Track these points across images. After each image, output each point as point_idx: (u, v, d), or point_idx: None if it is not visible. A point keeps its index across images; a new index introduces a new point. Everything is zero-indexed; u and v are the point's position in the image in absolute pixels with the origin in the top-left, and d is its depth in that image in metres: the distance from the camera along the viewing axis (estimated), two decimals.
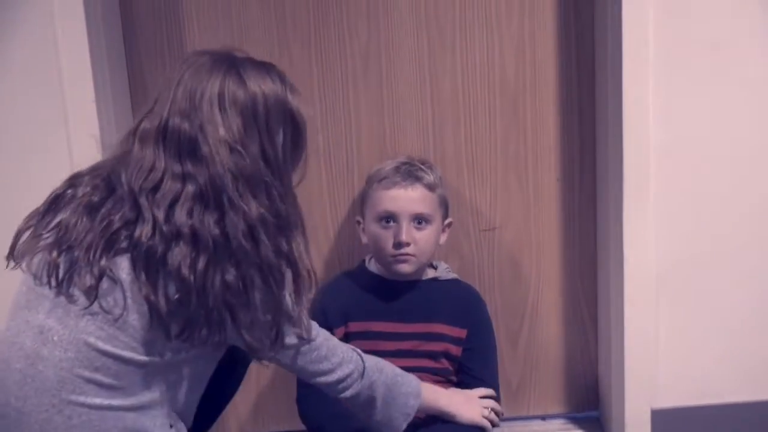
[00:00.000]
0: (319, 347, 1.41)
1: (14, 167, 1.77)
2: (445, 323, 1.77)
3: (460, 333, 1.77)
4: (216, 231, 1.21)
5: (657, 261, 1.83)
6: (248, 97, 1.26)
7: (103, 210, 1.24)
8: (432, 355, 1.76)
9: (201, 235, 1.20)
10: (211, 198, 1.22)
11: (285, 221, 1.28)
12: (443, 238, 1.80)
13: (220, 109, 1.25)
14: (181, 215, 1.20)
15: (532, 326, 2.02)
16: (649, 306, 1.85)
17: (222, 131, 1.24)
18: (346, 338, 1.76)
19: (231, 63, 1.29)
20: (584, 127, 1.94)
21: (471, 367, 1.77)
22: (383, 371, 1.50)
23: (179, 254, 1.19)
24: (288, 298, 1.29)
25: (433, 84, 1.92)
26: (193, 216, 1.21)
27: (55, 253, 1.23)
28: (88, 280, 1.20)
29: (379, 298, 1.78)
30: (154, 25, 1.90)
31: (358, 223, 1.81)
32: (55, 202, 1.30)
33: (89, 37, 1.75)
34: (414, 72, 1.92)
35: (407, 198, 1.72)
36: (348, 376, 1.44)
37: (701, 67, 1.77)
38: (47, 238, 1.26)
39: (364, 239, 1.79)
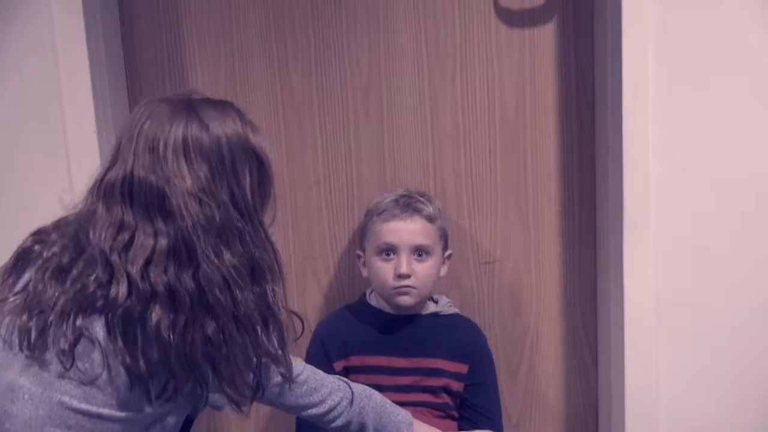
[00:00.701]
0: (307, 381, 1.41)
1: (15, 200, 1.77)
2: (444, 358, 1.76)
3: (461, 368, 1.76)
4: (192, 286, 1.19)
5: (657, 295, 1.82)
6: (212, 142, 1.24)
7: (73, 272, 1.21)
8: (432, 390, 1.75)
9: (178, 293, 1.18)
10: (184, 253, 1.19)
11: (260, 268, 1.25)
12: (444, 269, 1.80)
13: (186, 159, 1.22)
14: (156, 273, 1.18)
15: (532, 360, 2.01)
16: (650, 341, 1.83)
17: (189, 182, 1.21)
18: (346, 372, 1.75)
19: (190, 107, 1.26)
20: (584, 160, 1.94)
21: (475, 403, 1.76)
22: (372, 398, 1.50)
23: (157, 315, 1.17)
24: (269, 343, 1.26)
25: (434, 116, 1.93)
26: (168, 273, 1.18)
27: (25, 317, 1.20)
28: (63, 344, 1.17)
29: (379, 332, 1.77)
30: (155, 56, 1.91)
31: (359, 256, 1.80)
32: (21, 259, 1.27)
33: (91, 70, 1.76)
34: (414, 104, 1.92)
35: (407, 230, 1.71)
36: (338, 404, 1.44)
37: (701, 99, 1.77)
38: (14, 300, 1.23)
39: (365, 272, 1.78)
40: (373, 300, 1.80)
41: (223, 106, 1.30)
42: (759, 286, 1.84)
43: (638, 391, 1.85)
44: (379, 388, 1.71)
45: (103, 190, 1.24)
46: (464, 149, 1.93)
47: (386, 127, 1.93)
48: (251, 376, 1.26)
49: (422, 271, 1.71)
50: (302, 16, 1.90)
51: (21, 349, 1.20)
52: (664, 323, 1.83)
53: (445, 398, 1.75)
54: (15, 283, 1.25)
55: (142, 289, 1.17)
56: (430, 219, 1.74)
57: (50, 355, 1.19)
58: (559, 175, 1.95)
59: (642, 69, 1.75)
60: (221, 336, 1.20)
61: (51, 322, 1.19)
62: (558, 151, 1.94)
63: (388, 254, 1.71)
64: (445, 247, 1.79)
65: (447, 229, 1.80)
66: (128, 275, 1.17)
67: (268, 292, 1.26)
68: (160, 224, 1.20)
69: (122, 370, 1.18)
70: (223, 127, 1.25)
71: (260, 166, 1.30)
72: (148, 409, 1.23)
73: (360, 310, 1.81)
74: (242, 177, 1.26)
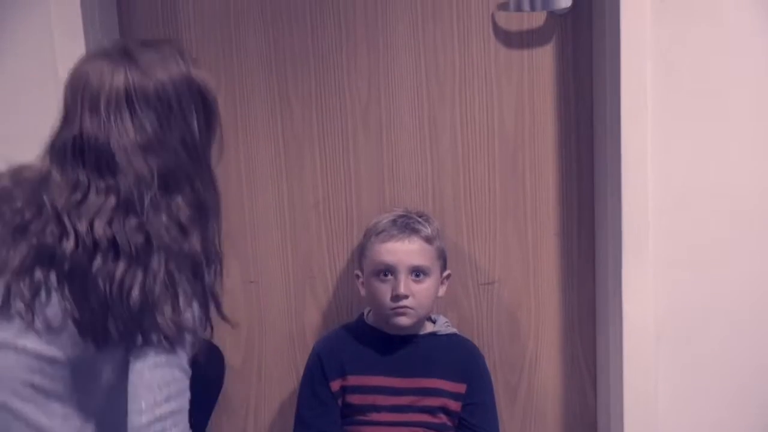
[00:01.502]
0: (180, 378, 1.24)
1: None
2: (442, 378, 1.76)
3: (459, 388, 1.76)
4: (139, 236, 1.21)
5: (656, 316, 1.82)
6: (157, 88, 1.25)
7: (31, 228, 1.24)
8: (430, 410, 1.75)
9: (121, 243, 1.20)
10: (133, 205, 1.22)
11: (206, 208, 1.28)
12: (442, 290, 1.80)
13: (129, 111, 1.24)
14: (100, 226, 1.21)
15: (530, 381, 2.01)
16: (648, 361, 1.83)
17: (132, 135, 1.23)
18: (344, 392, 1.75)
19: (128, 55, 1.27)
20: (583, 181, 1.94)
21: (473, 423, 1.76)
22: None
23: (98, 264, 1.20)
24: (210, 279, 1.28)
25: (433, 137, 1.93)
26: (113, 225, 1.21)
27: None
28: (23, 300, 1.22)
29: (377, 352, 1.77)
30: None
31: (357, 276, 1.81)
32: None
33: None
34: (414, 126, 1.93)
35: (405, 251, 1.72)
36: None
37: (700, 120, 1.78)
38: None
39: (363, 292, 1.79)
40: (371, 320, 1.81)
41: (160, 45, 1.31)
42: (758, 305, 1.83)
43: (637, 411, 1.85)
44: (377, 408, 1.73)
45: (55, 152, 1.27)
46: (463, 170, 1.94)
47: (386, 148, 1.94)
48: (191, 315, 1.24)
49: (420, 291, 1.72)
50: (302, 40, 1.92)
51: None
52: (662, 343, 1.83)
53: (443, 418, 1.75)
54: None
55: (88, 243, 1.20)
56: (428, 240, 1.74)
57: (15, 313, 1.23)
58: (557, 195, 1.95)
59: (640, 89, 1.76)
60: (167, 279, 1.21)
61: (11, 282, 1.23)
62: (557, 172, 1.94)
63: (385, 275, 1.72)
64: (444, 268, 1.79)
65: (445, 249, 1.81)
66: (76, 230, 1.21)
67: (211, 229, 1.28)
68: (110, 181, 1.23)
69: (70, 321, 1.22)
70: (165, 70, 1.27)
71: (204, 101, 1.31)
72: (98, 356, 1.24)
73: (358, 329, 1.82)
74: (190, 117, 1.28)
